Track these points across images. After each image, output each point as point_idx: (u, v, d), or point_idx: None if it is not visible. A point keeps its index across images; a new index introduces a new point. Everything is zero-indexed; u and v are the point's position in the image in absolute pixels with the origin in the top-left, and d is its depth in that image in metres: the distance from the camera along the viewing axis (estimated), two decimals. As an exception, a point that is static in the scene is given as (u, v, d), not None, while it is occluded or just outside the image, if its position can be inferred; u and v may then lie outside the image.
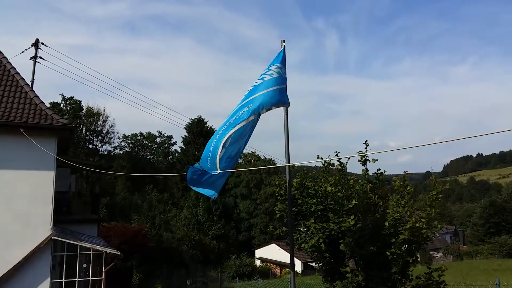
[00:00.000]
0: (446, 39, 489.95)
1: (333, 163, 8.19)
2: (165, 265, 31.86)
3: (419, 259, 9.57)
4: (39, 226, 12.95)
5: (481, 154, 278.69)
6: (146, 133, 75.75)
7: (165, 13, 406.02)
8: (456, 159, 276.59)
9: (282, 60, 6.58)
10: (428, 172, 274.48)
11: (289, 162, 6.42)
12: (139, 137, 75.50)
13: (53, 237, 12.96)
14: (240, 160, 63.17)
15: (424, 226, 7.04)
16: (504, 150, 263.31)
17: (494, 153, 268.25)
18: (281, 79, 6.36)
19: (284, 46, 6.77)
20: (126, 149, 72.90)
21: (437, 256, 49.09)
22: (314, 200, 7.44)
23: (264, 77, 6.25)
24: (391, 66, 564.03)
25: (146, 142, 76.38)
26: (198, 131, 57.48)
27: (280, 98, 6.21)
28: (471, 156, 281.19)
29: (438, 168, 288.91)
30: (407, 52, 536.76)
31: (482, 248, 51.39)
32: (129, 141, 73.93)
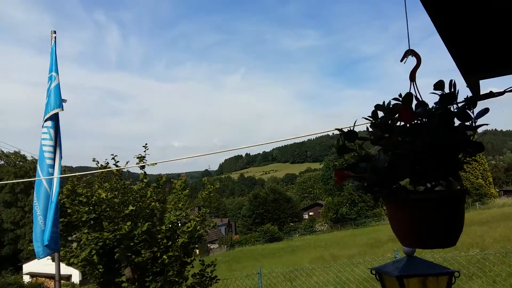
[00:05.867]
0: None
1: (110, 167, 7.69)
2: None
3: (198, 254, 9.95)
4: None
5: (249, 153, 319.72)
6: None
7: None
8: (229, 158, 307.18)
9: (53, 54, 5.87)
10: (206, 170, 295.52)
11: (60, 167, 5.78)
12: None
13: None
14: (1, 162, 54.35)
15: (198, 226, 7.35)
16: (266, 151, 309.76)
17: (259, 153, 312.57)
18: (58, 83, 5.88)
19: (55, 38, 5.98)
20: None
21: (213, 248, 53.13)
22: (86, 208, 6.78)
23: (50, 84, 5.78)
24: (173, 69, 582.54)
25: None
26: None
27: (60, 103, 5.79)
28: (241, 155, 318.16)
29: (215, 167, 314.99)
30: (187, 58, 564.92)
31: (250, 236, 58.47)
32: None
